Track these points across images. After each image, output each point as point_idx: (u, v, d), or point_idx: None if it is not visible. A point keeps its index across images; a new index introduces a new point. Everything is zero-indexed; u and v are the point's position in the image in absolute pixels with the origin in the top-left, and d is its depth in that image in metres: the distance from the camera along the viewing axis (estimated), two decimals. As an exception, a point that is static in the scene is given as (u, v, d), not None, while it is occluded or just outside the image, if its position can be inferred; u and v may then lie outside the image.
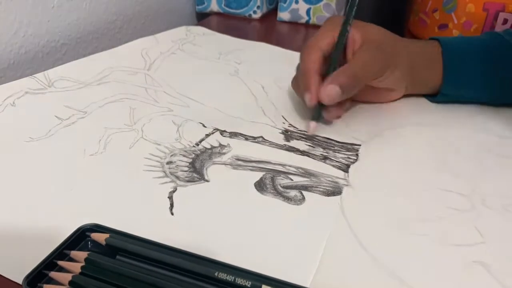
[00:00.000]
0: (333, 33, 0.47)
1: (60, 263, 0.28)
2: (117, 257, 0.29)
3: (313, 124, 0.45)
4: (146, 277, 0.27)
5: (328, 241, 0.32)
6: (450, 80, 0.51)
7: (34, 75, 0.52)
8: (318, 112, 0.45)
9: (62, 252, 0.29)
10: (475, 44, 0.52)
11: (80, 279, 0.27)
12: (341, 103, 0.46)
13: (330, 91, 0.43)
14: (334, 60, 0.46)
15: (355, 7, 0.47)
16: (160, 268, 0.28)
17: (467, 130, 0.48)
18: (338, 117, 0.48)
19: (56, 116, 0.45)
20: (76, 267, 0.28)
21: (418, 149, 0.44)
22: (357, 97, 0.50)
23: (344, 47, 0.47)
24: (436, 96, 0.53)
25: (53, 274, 0.27)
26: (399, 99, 0.54)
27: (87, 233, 0.30)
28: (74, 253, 0.29)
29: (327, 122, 0.48)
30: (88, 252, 0.28)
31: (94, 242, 0.30)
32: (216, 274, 0.27)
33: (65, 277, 0.27)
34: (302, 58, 0.47)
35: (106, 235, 0.29)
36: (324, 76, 0.45)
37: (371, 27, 0.48)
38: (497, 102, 0.53)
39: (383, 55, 0.46)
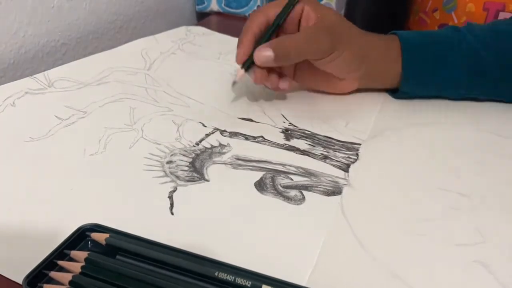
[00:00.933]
0: (283, 3, 0.48)
1: (60, 263, 0.28)
2: (117, 257, 0.29)
3: (239, 71, 0.47)
4: (146, 276, 0.27)
5: (328, 241, 0.32)
6: (409, 76, 0.50)
7: (34, 76, 0.52)
8: (250, 63, 0.46)
9: (62, 252, 0.29)
10: (433, 40, 0.51)
11: (80, 279, 0.27)
12: (273, 73, 0.48)
13: (264, 53, 0.44)
14: (273, 25, 0.47)
15: None
16: (160, 268, 0.28)
17: (467, 129, 0.48)
18: (269, 84, 0.48)
19: (56, 116, 0.45)
20: (76, 267, 0.28)
21: (418, 149, 0.44)
22: (308, 82, 0.52)
23: (298, 23, 0.48)
24: (396, 93, 0.53)
25: (53, 274, 0.27)
26: (354, 92, 0.53)
27: (87, 233, 0.30)
28: (74, 253, 0.29)
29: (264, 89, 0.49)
30: (88, 252, 0.28)
31: (94, 242, 0.30)
32: (216, 274, 0.27)
33: (65, 277, 0.27)
34: (247, 20, 0.48)
35: (106, 235, 0.29)
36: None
37: (328, 10, 0.48)
38: (459, 98, 0.53)
39: (330, 36, 0.46)
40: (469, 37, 0.50)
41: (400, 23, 0.70)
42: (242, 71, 0.47)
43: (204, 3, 0.86)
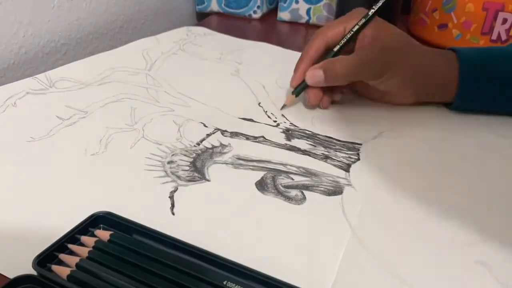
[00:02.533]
0: (345, 24, 0.48)
1: (70, 246, 0.29)
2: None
3: (290, 97, 0.49)
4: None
5: (328, 241, 0.33)
6: (464, 94, 0.49)
7: (35, 76, 0.52)
8: (301, 89, 0.49)
9: (73, 236, 0.30)
10: (495, 56, 0.49)
11: (86, 263, 0.28)
12: (327, 92, 0.49)
13: (314, 73, 0.47)
14: (331, 52, 0.48)
15: (379, 6, 0.48)
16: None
17: (468, 130, 0.48)
18: (320, 103, 0.50)
19: (57, 116, 0.46)
20: (84, 252, 0.29)
21: (419, 149, 0.44)
22: (365, 94, 0.52)
23: (355, 41, 0.49)
24: (451, 105, 0.51)
25: (62, 256, 0.29)
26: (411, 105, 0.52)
27: (91, 229, 0.31)
28: (84, 238, 0.30)
29: (310, 107, 0.51)
30: (96, 239, 0.30)
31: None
32: (225, 283, 0.27)
33: (73, 260, 0.28)
34: (307, 43, 0.49)
35: (110, 232, 0.30)
36: None
37: (387, 28, 0.48)
38: None
39: (383, 59, 0.46)
40: None
41: (392, 19, 0.70)
42: (292, 96, 0.49)
43: (204, 3, 0.86)
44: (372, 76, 0.47)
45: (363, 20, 0.48)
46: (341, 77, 0.47)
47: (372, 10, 0.48)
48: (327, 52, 0.49)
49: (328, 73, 0.46)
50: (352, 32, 0.48)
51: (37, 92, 0.49)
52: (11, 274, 0.27)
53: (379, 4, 0.48)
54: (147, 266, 0.28)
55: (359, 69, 0.46)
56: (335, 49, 0.48)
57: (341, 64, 0.46)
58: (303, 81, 0.48)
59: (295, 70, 0.49)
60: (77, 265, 0.28)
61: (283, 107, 0.50)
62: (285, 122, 0.48)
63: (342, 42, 0.48)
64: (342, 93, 0.51)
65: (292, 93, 0.49)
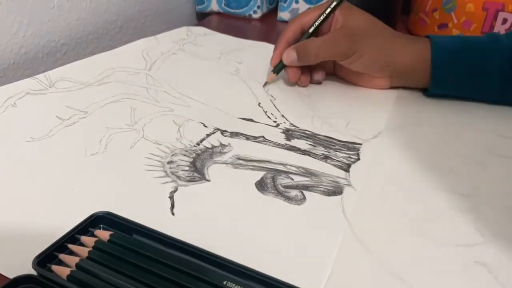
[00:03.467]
0: (319, 11, 0.54)
1: (70, 246, 0.29)
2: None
3: (271, 75, 0.55)
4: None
5: (329, 241, 0.33)
6: (437, 79, 0.52)
7: (35, 76, 0.52)
8: (279, 68, 0.54)
9: (74, 236, 0.30)
10: (468, 45, 0.52)
11: (86, 263, 0.28)
12: (307, 72, 0.55)
13: (289, 53, 0.52)
14: (306, 34, 0.54)
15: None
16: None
17: (468, 130, 0.48)
18: (299, 82, 0.55)
19: (57, 116, 0.46)
20: (84, 252, 0.29)
21: (419, 149, 0.44)
22: (344, 76, 0.57)
23: (329, 26, 0.54)
24: (426, 91, 0.54)
25: (62, 256, 0.29)
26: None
27: (91, 229, 0.31)
28: (84, 238, 0.30)
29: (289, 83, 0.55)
30: (95, 239, 0.30)
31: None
32: (224, 283, 0.27)
33: (73, 260, 0.28)
34: (285, 27, 0.55)
35: (110, 232, 0.30)
36: None
37: (358, 14, 0.53)
38: (491, 101, 0.53)
39: (350, 40, 0.51)
40: (506, 42, 0.50)
41: (392, 20, 0.70)
42: (273, 74, 0.55)
43: (204, 3, 0.86)
44: (340, 55, 0.52)
45: (335, 3, 0.53)
46: (312, 56, 0.52)
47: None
48: (302, 35, 0.55)
49: (300, 53, 0.52)
50: (324, 15, 0.53)
51: (37, 92, 0.49)
52: (11, 274, 0.27)
53: None
54: (147, 266, 0.28)
55: (327, 48, 0.51)
56: (310, 30, 0.54)
57: (311, 45, 0.52)
58: (281, 60, 0.54)
59: (274, 51, 0.55)
60: (77, 265, 0.28)
61: (265, 84, 0.55)
62: (285, 122, 0.48)
63: (316, 24, 0.54)
64: (322, 75, 0.56)
65: (273, 71, 0.55)
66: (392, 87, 0.56)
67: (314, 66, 0.55)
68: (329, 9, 0.53)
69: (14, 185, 0.36)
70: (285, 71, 0.55)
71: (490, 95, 0.52)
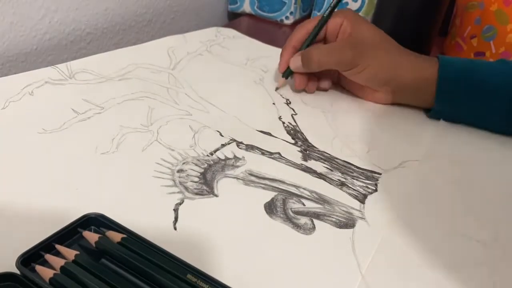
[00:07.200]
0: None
1: (58, 247, 0.29)
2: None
3: (281, 80, 0.55)
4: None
5: (334, 279, 0.31)
6: (442, 101, 0.50)
7: (56, 65, 0.51)
8: (288, 73, 0.54)
9: (63, 235, 0.29)
10: (476, 64, 0.50)
11: (71, 266, 0.27)
12: (314, 79, 0.55)
13: (294, 60, 0.53)
14: (309, 38, 0.54)
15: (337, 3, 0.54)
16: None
17: (494, 166, 0.45)
18: (306, 88, 0.55)
19: (73, 109, 0.45)
20: (71, 254, 0.28)
21: (441, 186, 0.42)
22: (347, 87, 0.57)
23: (336, 35, 0.54)
24: (430, 111, 0.52)
25: (48, 256, 0.28)
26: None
27: (80, 230, 0.30)
28: (61, 249, 0.29)
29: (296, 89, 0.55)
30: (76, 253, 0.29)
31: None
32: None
33: (58, 262, 0.27)
34: (291, 34, 0.55)
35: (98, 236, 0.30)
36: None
37: (366, 26, 0.52)
38: (495, 131, 0.51)
39: (354, 51, 0.50)
40: None
41: (425, 44, 0.68)
42: (283, 79, 0.55)
43: (237, 3, 0.85)
44: (343, 64, 0.51)
45: (329, 9, 0.53)
46: (315, 63, 0.51)
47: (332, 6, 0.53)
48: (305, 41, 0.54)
49: (304, 59, 0.52)
50: (323, 18, 0.53)
51: (56, 82, 0.49)
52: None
53: None
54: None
55: (331, 56, 0.51)
56: (310, 36, 0.54)
57: (316, 52, 0.51)
58: (288, 67, 0.54)
59: (281, 56, 0.55)
60: (61, 268, 0.27)
61: (277, 89, 0.55)
62: (304, 141, 0.46)
63: (316, 30, 0.53)
64: (329, 84, 0.56)
65: (282, 76, 0.55)
66: (398, 104, 0.54)
67: (321, 73, 0.54)
68: (327, 12, 0.53)
69: (16, 177, 0.35)
70: (292, 78, 0.55)
71: (497, 116, 0.49)
